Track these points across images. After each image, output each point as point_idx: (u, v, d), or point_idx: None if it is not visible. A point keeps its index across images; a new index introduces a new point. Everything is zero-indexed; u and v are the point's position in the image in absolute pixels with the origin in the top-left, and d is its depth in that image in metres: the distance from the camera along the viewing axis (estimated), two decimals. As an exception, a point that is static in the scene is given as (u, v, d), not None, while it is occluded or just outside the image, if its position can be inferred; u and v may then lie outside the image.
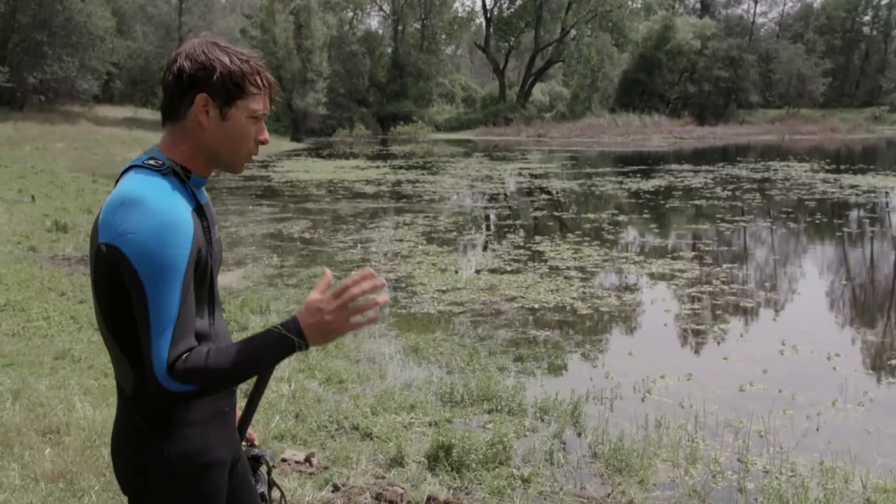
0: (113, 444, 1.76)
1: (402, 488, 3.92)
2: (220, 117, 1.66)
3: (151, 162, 1.64)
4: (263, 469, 2.05)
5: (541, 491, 3.98)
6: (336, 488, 3.89)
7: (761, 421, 4.92)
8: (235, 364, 1.58)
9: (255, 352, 1.60)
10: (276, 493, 2.08)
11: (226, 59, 1.65)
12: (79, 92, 38.38)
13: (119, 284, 1.57)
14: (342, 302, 1.64)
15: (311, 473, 4.03)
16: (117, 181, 1.67)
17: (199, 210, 1.67)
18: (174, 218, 1.56)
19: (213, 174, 1.78)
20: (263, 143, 1.75)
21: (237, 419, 1.92)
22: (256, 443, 2.11)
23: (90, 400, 4.58)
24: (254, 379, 1.87)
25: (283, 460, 4.09)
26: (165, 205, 1.56)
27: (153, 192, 1.57)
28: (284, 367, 5.15)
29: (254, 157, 1.78)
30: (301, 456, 4.19)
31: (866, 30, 73.11)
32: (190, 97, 1.65)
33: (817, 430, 4.89)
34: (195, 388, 1.56)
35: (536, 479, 4.07)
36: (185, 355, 1.55)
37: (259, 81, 1.68)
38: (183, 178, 1.66)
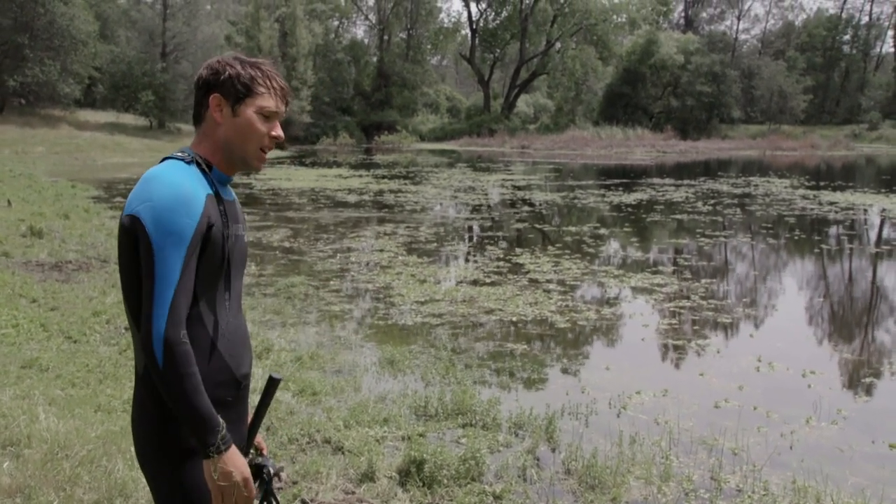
0: (132, 423, 1.92)
1: (372, 504, 3.85)
2: (233, 114, 1.89)
3: (179, 154, 1.89)
4: (269, 479, 2.05)
5: (512, 508, 3.93)
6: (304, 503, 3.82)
7: (735, 438, 4.91)
8: (186, 400, 1.72)
9: (200, 412, 1.73)
10: None
11: (237, 65, 1.90)
12: (60, 96, 38.04)
13: (138, 257, 1.75)
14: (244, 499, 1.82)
15: (278, 488, 3.96)
16: None
17: (217, 198, 1.86)
18: (187, 191, 1.76)
19: (236, 175, 2.01)
20: (277, 139, 1.95)
21: (244, 414, 2.04)
22: (265, 452, 2.16)
23: (55, 411, 4.48)
24: (262, 386, 2.03)
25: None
26: (180, 179, 1.77)
27: (171, 170, 1.80)
28: (258, 378, 5.07)
29: (265, 153, 1.97)
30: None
31: (846, 48, 74.03)
32: (206, 99, 1.90)
33: (791, 448, 4.88)
34: (162, 367, 1.70)
35: (508, 495, 4.02)
36: (184, 338, 1.72)
37: (268, 83, 1.91)
38: (205, 168, 1.88)
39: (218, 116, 1.90)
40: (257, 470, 2.03)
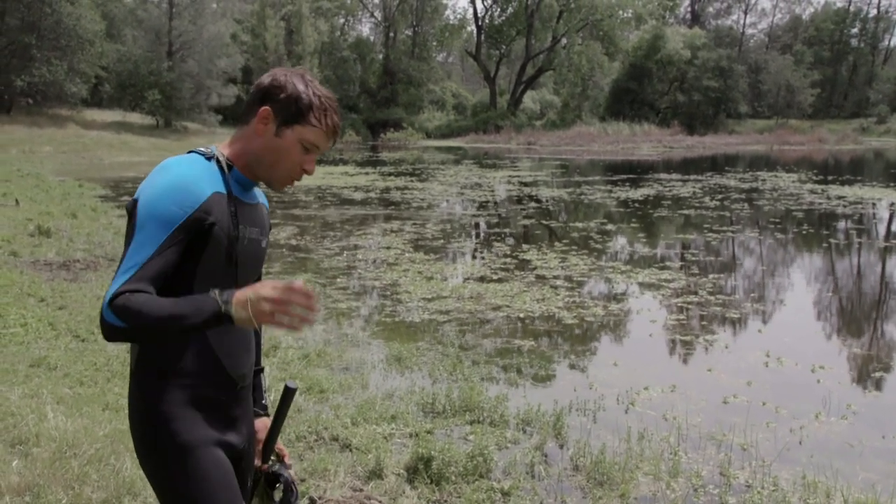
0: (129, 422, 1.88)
1: (380, 501, 3.85)
2: (276, 133, 1.83)
3: (203, 149, 1.86)
4: (286, 488, 2.05)
5: (520, 504, 3.92)
6: (312, 501, 3.82)
7: (744, 434, 4.89)
8: (164, 313, 1.63)
9: (184, 307, 1.64)
10: None
11: (301, 87, 1.83)
12: (67, 95, 38.12)
13: None
14: (281, 297, 1.63)
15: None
16: None
17: (229, 197, 1.81)
18: (187, 181, 1.72)
19: (258, 183, 1.95)
20: (308, 173, 1.90)
21: (243, 414, 1.98)
22: (287, 460, 2.13)
23: (63, 409, 4.49)
24: (279, 393, 1.97)
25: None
26: (185, 170, 1.75)
27: (182, 162, 1.78)
28: (265, 377, 5.06)
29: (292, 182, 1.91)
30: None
31: (854, 42, 73.74)
32: (258, 107, 1.83)
33: (800, 443, 4.86)
34: (125, 325, 1.62)
35: (517, 492, 4.01)
36: (130, 294, 1.63)
37: (323, 119, 1.84)
38: (223, 167, 1.83)
39: (260, 129, 1.84)
40: (274, 477, 2.01)
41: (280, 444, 2.12)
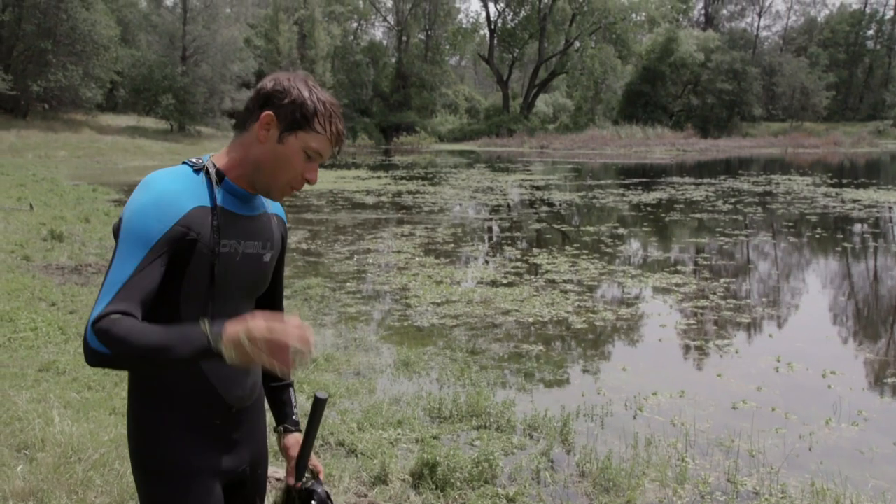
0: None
1: (384, 507, 3.84)
2: (279, 139, 1.74)
3: (194, 160, 1.78)
4: None
5: (525, 511, 3.90)
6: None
7: (753, 440, 4.84)
8: (150, 343, 1.53)
9: (172, 337, 1.55)
10: None
11: (305, 93, 1.75)
12: (82, 100, 38.41)
13: None
14: (276, 339, 1.52)
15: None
16: None
17: (213, 210, 1.72)
18: (166, 197, 1.65)
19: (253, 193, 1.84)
20: (310, 182, 1.81)
21: (249, 435, 1.93)
22: (322, 476, 2.05)
23: (70, 414, 4.51)
24: (307, 410, 1.89)
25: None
26: (165, 185, 1.67)
27: (165, 176, 1.70)
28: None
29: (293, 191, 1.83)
30: (281, 473, 4.11)
31: (870, 44, 73.24)
32: (259, 112, 1.75)
33: (809, 449, 4.81)
34: (109, 352, 1.53)
35: (522, 498, 3.99)
36: (115, 316, 1.55)
37: (327, 125, 1.76)
38: (212, 178, 1.75)
39: (262, 135, 1.75)
40: (307, 495, 1.95)
41: (315, 460, 2.03)
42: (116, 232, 1.68)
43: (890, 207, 18.44)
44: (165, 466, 1.75)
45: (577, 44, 61.63)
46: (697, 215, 16.56)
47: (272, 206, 1.96)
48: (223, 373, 1.79)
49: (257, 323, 1.53)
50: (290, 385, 2.13)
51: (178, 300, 1.71)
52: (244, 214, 1.80)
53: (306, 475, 2.00)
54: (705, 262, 11.26)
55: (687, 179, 26.10)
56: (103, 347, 1.53)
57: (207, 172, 1.76)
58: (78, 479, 3.64)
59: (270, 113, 1.73)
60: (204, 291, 1.73)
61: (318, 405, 1.87)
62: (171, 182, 1.69)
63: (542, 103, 67.65)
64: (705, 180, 25.61)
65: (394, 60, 63.29)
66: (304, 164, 1.77)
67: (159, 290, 1.66)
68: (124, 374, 5.52)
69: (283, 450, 2.06)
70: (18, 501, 3.42)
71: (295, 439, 2.06)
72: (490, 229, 15.26)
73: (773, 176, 27.46)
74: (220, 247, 1.73)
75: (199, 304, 1.72)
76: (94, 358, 1.55)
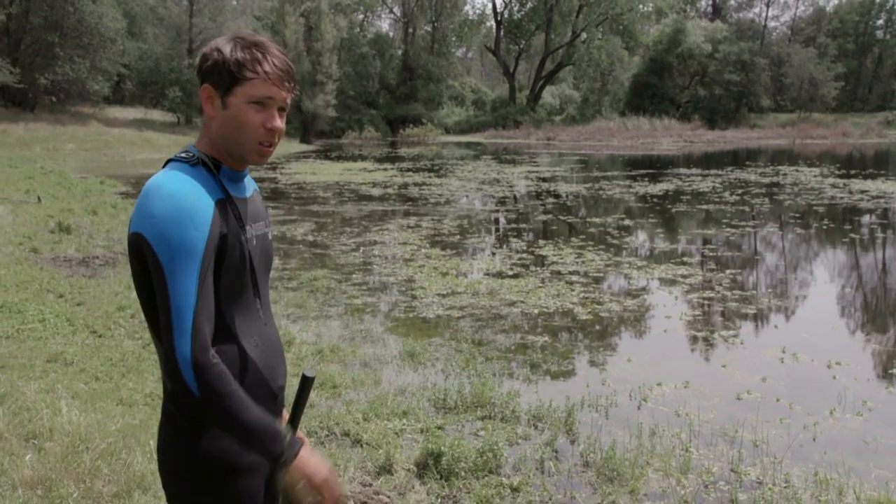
0: (158, 442, 1.76)
1: (388, 497, 3.87)
2: (223, 106, 1.69)
3: (183, 155, 1.71)
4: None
5: (530, 500, 3.92)
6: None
7: (757, 430, 4.86)
8: (239, 416, 1.58)
9: (260, 424, 1.61)
10: None
11: (226, 49, 1.68)
12: (89, 93, 38.59)
13: (149, 274, 1.60)
14: (330, 495, 1.69)
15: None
16: None
17: (228, 201, 1.69)
18: (189, 202, 1.59)
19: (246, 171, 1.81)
20: (274, 130, 1.71)
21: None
22: None
23: (77, 404, 4.55)
24: (296, 383, 1.86)
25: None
26: (180, 190, 1.60)
27: (170, 180, 1.62)
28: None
29: (267, 146, 1.74)
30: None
31: (879, 34, 72.65)
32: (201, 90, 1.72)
33: (813, 440, 4.82)
34: (199, 396, 1.55)
35: (526, 488, 4.02)
36: (214, 358, 1.56)
37: (258, 67, 1.67)
38: (212, 168, 1.71)
39: (209, 110, 1.71)
40: None
41: (301, 435, 2.00)
42: (139, 247, 1.60)
43: (898, 198, 18.36)
44: (215, 465, 1.68)
45: (583, 35, 61.32)
46: (704, 206, 16.53)
47: (251, 183, 1.92)
48: (270, 362, 1.80)
49: (322, 470, 1.69)
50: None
51: (218, 298, 1.67)
52: (244, 197, 1.78)
53: None
54: (711, 254, 11.25)
55: (694, 171, 26.03)
56: (196, 389, 1.55)
57: (205, 164, 1.71)
58: (86, 468, 3.68)
59: (206, 85, 1.70)
60: (241, 280, 1.71)
61: (306, 383, 1.84)
62: (186, 184, 1.63)
63: (549, 95, 67.43)
64: (712, 171, 25.54)
65: (400, 52, 63.16)
66: (260, 116, 1.69)
67: None
68: (131, 365, 5.57)
69: None
70: (27, 490, 3.46)
71: (281, 418, 1.99)
72: (496, 221, 15.27)
73: (780, 167, 27.36)
74: (245, 234, 1.72)
75: (239, 292, 1.71)
76: (182, 393, 1.57)
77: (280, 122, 1.73)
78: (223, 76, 1.67)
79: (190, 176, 1.66)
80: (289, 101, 1.75)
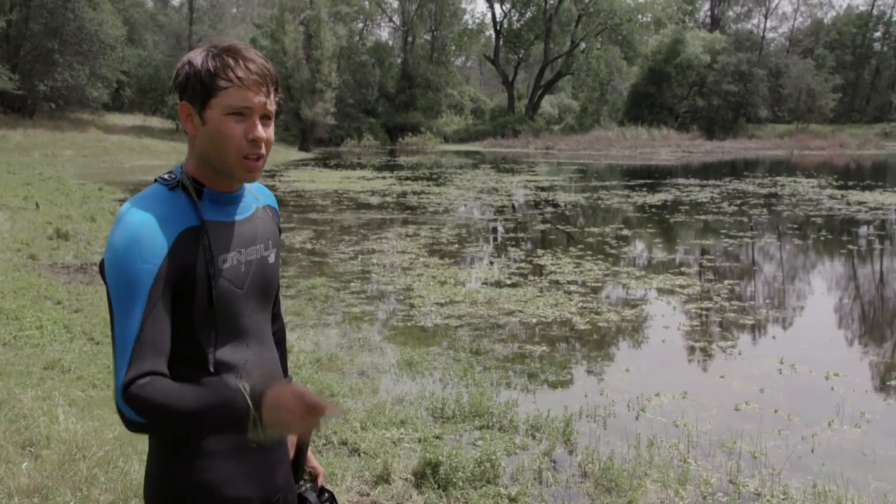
0: (146, 468, 1.70)
1: (386, 506, 3.86)
2: (202, 122, 1.57)
3: (166, 176, 1.61)
4: None
5: (527, 511, 3.91)
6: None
7: (755, 441, 4.85)
8: (187, 408, 1.42)
9: (210, 400, 1.43)
10: None
11: (197, 60, 1.57)
12: (89, 100, 38.62)
13: None
14: (310, 406, 1.43)
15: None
16: None
17: (203, 228, 1.57)
18: (144, 231, 1.49)
19: (239, 191, 1.69)
20: (257, 140, 1.58)
21: (282, 456, 1.78)
22: (321, 480, 1.92)
23: (75, 412, 4.54)
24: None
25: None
26: (141, 218, 1.51)
27: (139, 206, 1.53)
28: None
29: (254, 160, 1.60)
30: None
31: (877, 46, 72.94)
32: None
33: (812, 451, 4.81)
34: (146, 422, 1.43)
35: (524, 498, 4.01)
36: (143, 380, 1.44)
37: (230, 74, 1.55)
38: (191, 192, 1.59)
39: (190, 128, 1.61)
40: (301, 501, 1.83)
41: (314, 462, 1.91)
42: (103, 273, 1.54)
43: None
44: (205, 495, 1.60)
45: (582, 45, 61.51)
46: (702, 217, 16.55)
47: (264, 198, 1.82)
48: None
49: (290, 389, 1.44)
50: (289, 380, 1.98)
51: (191, 328, 1.58)
52: (238, 220, 1.66)
53: (304, 478, 1.88)
54: (709, 264, 11.26)
55: (692, 181, 26.08)
56: (139, 417, 1.43)
57: (184, 187, 1.60)
58: (82, 476, 3.67)
59: (182, 102, 1.60)
60: (215, 311, 1.60)
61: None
62: (148, 211, 1.53)
63: (548, 104, 67.58)
64: (710, 182, 25.58)
65: (399, 61, 63.27)
66: (241, 127, 1.57)
67: (174, 328, 1.55)
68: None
69: None
70: (24, 498, 3.44)
71: (290, 440, 1.89)
72: (494, 230, 15.27)
73: (778, 178, 27.42)
74: (221, 263, 1.60)
75: (213, 324, 1.60)
76: (133, 427, 1.45)
77: (263, 131, 1.59)
78: (196, 89, 1.57)
79: (163, 200, 1.56)
80: (271, 106, 1.62)
